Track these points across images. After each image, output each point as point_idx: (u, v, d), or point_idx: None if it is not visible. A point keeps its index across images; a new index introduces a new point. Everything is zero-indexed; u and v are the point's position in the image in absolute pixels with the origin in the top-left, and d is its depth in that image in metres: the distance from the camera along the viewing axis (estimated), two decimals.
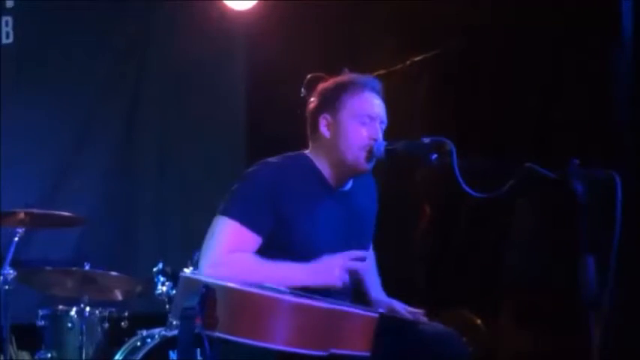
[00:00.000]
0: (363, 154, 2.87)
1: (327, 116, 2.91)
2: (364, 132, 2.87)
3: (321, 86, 2.98)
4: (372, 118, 2.89)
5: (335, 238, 2.85)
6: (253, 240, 2.76)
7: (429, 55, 4.13)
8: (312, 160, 2.94)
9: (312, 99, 2.99)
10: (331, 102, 2.91)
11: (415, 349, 2.80)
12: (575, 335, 2.58)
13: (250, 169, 2.88)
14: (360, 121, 2.87)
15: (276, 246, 2.78)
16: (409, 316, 2.96)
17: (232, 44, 6.09)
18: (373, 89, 2.93)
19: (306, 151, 2.99)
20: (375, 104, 2.91)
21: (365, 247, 3.02)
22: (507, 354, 4.57)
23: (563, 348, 4.08)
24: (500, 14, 4.58)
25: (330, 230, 2.86)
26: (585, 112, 4.37)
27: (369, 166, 2.90)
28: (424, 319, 2.97)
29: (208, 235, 2.78)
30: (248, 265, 2.70)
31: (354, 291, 2.98)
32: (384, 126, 2.93)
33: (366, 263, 2.97)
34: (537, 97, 4.68)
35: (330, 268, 2.70)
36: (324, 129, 2.92)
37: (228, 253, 2.71)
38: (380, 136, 2.88)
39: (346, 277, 2.73)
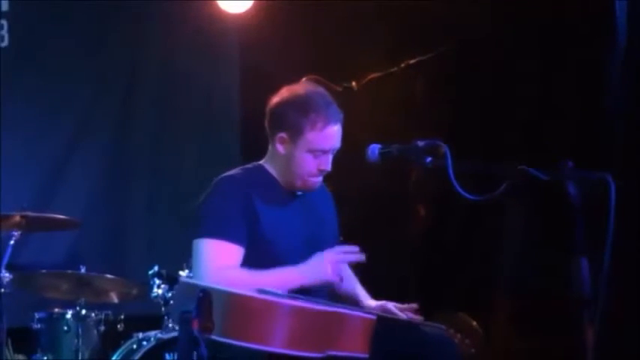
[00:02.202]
0: (311, 180, 2.95)
1: (284, 135, 2.93)
2: (315, 164, 2.92)
3: (285, 99, 2.96)
4: (326, 152, 2.93)
5: (298, 236, 2.95)
6: (237, 251, 2.83)
7: (424, 58, 4.14)
8: (267, 169, 3.02)
9: (275, 99, 2.98)
10: (291, 126, 2.91)
11: (412, 351, 2.83)
12: (569, 336, 2.59)
13: (213, 186, 2.95)
14: (315, 154, 2.91)
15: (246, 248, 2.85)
16: (403, 316, 2.99)
17: (226, 45, 6.08)
18: (336, 122, 2.92)
19: (262, 161, 3.06)
20: (333, 138, 2.92)
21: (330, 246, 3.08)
22: (503, 355, 4.58)
23: (558, 349, 4.10)
24: (496, 15, 4.60)
25: (294, 229, 2.95)
26: (580, 114, 4.38)
27: (315, 188, 2.99)
28: (416, 314, 3.00)
29: (193, 262, 2.84)
30: (242, 279, 2.74)
31: (330, 291, 3.03)
32: (337, 149, 2.97)
33: (345, 272, 3.04)
34: (533, 98, 4.70)
35: (322, 266, 2.77)
36: (279, 146, 2.96)
37: (219, 272, 2.75)
38: (329, 166, 2.94)
39: (340, 272, 2.80)
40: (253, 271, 2.77)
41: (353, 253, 2.84)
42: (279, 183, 3.00)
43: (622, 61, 4.09)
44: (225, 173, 3.00)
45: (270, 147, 3.03)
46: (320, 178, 2.99)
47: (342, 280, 2.88)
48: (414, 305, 3.01)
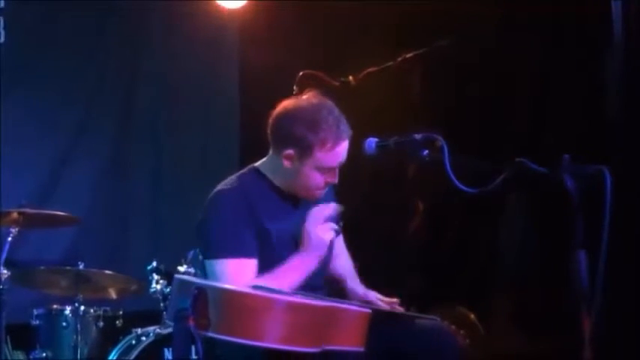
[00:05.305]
0: (316, 193, 2.92)
1: (292, 152, 2.85)
2: (322, 179, 2.88)
3: (292, 114, 2.86)
4: (333, 168, 2.88)
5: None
6: (252, 265, 2.80)
7: (420, 52, 4.14)
8: (266, 175, 2.95)
9: (281, 112, 2.90)
10: (299, 144, 2.83)
11: (409, 343, 2.83)
12: (567, 331, 2.59)
13: (212, 201, 2.88)
14: (322, 171, 2.87)
15: None
16: (385, 307, 3.00)
17: (226, 42, 6.11)
18: (345, 138, 2.86)
19: (257, 164, 2.99)
20: (341, 155, 2.86)
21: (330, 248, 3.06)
22: (501, 351, 4.59)
23: (556, 342, 4.10)
24: (494, 10, 4.60)
25: (300, 234, 2.88)
26: (578, 109, 4.38)
27: (319, 198, 2.95)
28: (399, 308, 3.02)
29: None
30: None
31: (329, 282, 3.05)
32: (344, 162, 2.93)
33: (339, 254, 3.09)
34: (530, 93, 4.70)
35: (316, 237, 2.82)
36: (285, 161, 2.87)
37: None
38: (336, 179, 2.90)
39: (332, 231, 2.85)
40: (266, 275, 2.76)
41: (329, 208, 2.88)
42: (279, 188, 2.94)
43: (620, 60, 4.09)
44: (221, 185, 2.92)
45: (272, 154, 2.95)
46: (325, 190, 2.93)
47: (339, 233, 2.90)
48: (396, 300, 3.03)
